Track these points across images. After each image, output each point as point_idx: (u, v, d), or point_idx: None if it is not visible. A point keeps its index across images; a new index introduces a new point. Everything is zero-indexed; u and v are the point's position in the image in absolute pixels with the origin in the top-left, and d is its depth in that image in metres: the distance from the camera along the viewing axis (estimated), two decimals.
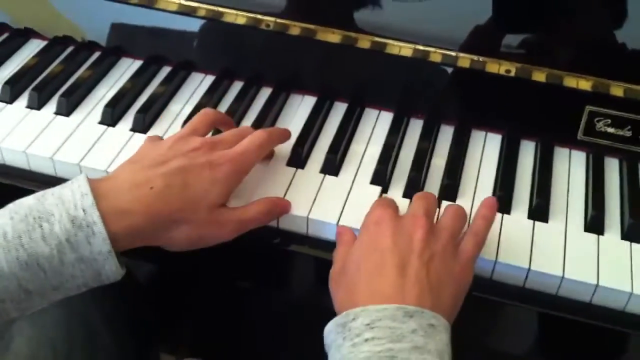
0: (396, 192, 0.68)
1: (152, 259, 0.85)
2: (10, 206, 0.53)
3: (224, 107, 0.76)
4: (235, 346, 0.94)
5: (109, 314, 0.76)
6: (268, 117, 0.74)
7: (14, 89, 0.76)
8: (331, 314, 0.73)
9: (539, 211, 0.65)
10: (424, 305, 0.51)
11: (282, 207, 0.64)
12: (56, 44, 0.84)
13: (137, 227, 0.55)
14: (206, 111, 0.67)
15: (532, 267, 0.60)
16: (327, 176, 0.68)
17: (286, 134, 0.69)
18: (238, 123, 0.74)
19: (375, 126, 0.75)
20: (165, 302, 0.91)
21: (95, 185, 0.54)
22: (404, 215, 0.58)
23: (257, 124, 0.73)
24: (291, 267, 0.72)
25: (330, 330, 0.53)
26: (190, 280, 0.87)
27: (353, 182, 0.68)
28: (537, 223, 0.65)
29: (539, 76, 0.71)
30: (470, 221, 0.61)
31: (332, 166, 0.69)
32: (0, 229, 0.51)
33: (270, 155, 0.70)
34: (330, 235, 0.64)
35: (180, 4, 0.78)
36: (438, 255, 0.55)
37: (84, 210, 0.52)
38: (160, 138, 0.66)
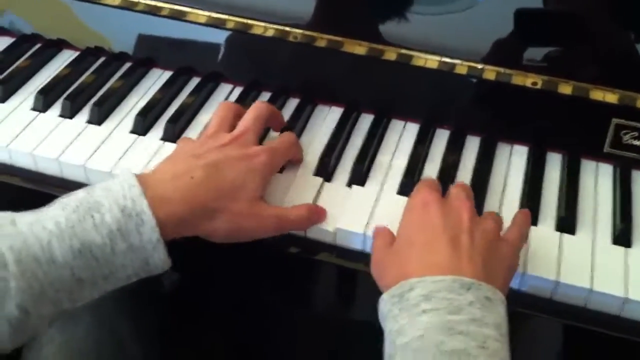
0: None
1: (180, 269, 0.85)
2: (61, 199, 0.55)
3: None
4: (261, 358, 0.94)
5: (137, 325, 0.77)
6: (295, 127, 0.75)
7: (47, 98, 0.77)
8: (357, 324, 0.73)
9: (566, 223, 0.65)
10: (478, 279, 0.51)
11: (320, 215, 0.65)
12: (88, 54, 0.85)
13: (180, 215, 0.57)
14: (226, 105, 0.69)
15: (560, 280, 0.60)
16: (354, 187, 0.69)
17: (301, 156, 0.71)
18: (266, 134, 0.75)
19: (402, 137, 0.76)
20: (191, 313, 0.92)
21: (139, 178, 0.56)
22: (448, 198, 0.59)
23: None
24: (317, 277, 0.73)
25: (385, 301, 0.53)
26: (216, 292, 0.88)
27: (380, 192, 0.68)
28: (565, 235, 0.64)
29: (565, 89, 0.71)
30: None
31: (359, 177, 0.70)
32: (52, 219, 0.53)
33: (299, 161, 0.71)
34: (357, 245, 0.65)
35: (209, 17, 0.79)
36: (487, 235, 0.56)
37: (132, 200, 0.54)
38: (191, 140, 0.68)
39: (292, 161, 0.70)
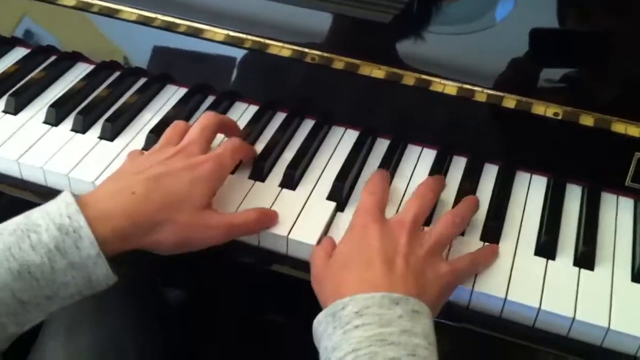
0: None
1: (186, 287, 0.84)
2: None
3: (266, 137, 0.76)
4: None
5: (142, 340, 0.76)
6: (310, 149, 0.74)
7: (59, 111, 0.77)
8: None
9: (585, 258, 0.64)
10: (409, 295, 0.53)
11: (271, 218, 0.66)
12: (103, 68, 0.85)
13: (122, 229, 0.56)
14: (176, 123, 0.70)
15: (577, 317, 0.59)
16: None
17: (253, 152, 0.73)
18: (280, 153, 0.74)
19: (418, 163, 0.74)
20: (198, 331, 0.91)
21: (79, 198, 0.56)
22: (391, 219, 0.61)
23: (299, 155, 0.73)
24: None
25: (320, 322, 0.54)
26: (224, 310, 0.87)
27: None
28: (583, 270, 0.63)
29: (587, 120, 0.70)
30: None
31: None
32: None
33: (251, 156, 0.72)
34: None
35: (227, 35, 0.78)
36: (422, 258, 0.58)
37: (69, 217, 0.54)
38: (141, 153, 0.69)
39: (243, 161, 0.71)
